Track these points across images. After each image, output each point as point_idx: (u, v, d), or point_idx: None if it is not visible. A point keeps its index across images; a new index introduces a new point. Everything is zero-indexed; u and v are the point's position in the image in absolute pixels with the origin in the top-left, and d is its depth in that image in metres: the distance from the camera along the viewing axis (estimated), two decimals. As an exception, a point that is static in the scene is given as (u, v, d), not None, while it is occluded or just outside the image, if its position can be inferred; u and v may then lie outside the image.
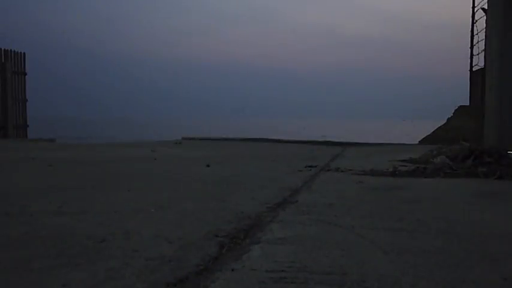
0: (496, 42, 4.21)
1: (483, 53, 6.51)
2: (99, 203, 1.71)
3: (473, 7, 7.67)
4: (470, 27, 7.75)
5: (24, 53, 10.89)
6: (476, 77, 7.22)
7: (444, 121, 7.27)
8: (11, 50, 10.44)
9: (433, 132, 7.37)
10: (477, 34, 7.54)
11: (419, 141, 7.46)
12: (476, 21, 7.62)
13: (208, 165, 3.17)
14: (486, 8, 5.33)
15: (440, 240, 1.31)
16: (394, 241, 1.28)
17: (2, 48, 10.23)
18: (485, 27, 5.61)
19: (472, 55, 7.78)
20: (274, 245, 1.22)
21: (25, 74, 10.83)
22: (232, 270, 1.01)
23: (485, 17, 5.83)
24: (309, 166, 3.27)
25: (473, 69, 7.64)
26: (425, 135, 7.54)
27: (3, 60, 10.32)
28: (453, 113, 7.19)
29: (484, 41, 6.21)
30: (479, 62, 7.29)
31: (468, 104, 7.57)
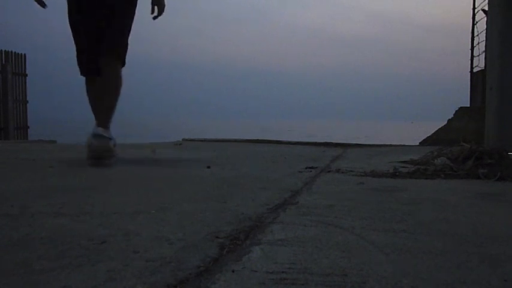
0: (496, 43, 4.22)
1: (484, 54, 6.52)
2: (100, 205, 1.71)
3: (474, 8, 7.68)
4: (471, 28, 7.76)
5: (25, 55, 10.92)
6: (477, 78, 7.23)
7: (445, 122, 7.27)
8: (11, 51, 10.47)
9: (434, 133, 7.37)
10: (477, 35, 7.56)
11: (419, 143, 7.46)
12: (477, 22, 7.63)
13: (208, 167, 3.17)
14: (487, 9, 5.33)
15: (440, 241, 1.31)
16: (395, 242, 1.28)
17: (3, 50, 10.25)
18: (486, 29, 5.60)
19: (472, 56, 7.80)
20: (275, 246, 1.22)
21: (26, 75, 10.85)
22: (233, 271, 1.01)
23: (485, 18, 5.84)
24: (310, 167, 3.27)
25: (474, 70, 7.65)
26: (426, 136, 7.54)
27: (3, 62, 10.33)
28: (454, 114, 7.19)
29: (484, 42, 6.21)
30: (480, 63, 7.30)
31: (469, 105, 7.57)
